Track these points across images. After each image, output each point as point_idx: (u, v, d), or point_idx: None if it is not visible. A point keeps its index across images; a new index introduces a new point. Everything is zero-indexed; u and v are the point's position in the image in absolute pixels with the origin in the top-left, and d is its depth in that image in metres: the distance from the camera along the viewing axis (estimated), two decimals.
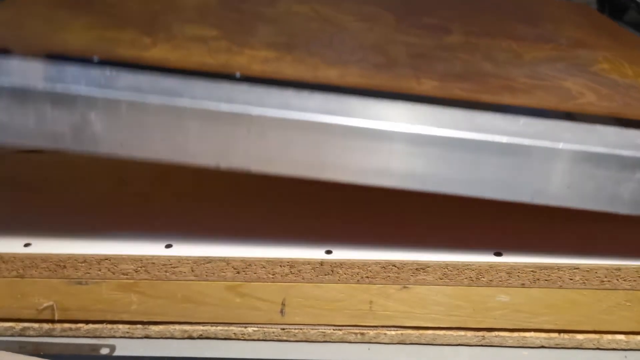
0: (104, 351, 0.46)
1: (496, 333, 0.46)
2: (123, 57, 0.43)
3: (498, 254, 0.44)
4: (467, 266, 0.44)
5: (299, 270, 0.45)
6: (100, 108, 0.37)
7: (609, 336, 0.46)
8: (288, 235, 0.47)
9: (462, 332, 0.46)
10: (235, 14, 0.57)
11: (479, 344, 0.47)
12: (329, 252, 0.45)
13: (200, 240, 0.46)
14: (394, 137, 0.38)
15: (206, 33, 0.51)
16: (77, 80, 0.38)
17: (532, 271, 0.44)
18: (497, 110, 0.42)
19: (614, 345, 0.46)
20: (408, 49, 0.53)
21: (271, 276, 0.45)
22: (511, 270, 0.44)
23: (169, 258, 0.45)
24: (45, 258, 0.45)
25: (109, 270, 0.45)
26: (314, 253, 0.45)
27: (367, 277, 0.45)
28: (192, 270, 0.45)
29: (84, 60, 0.41)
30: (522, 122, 0.39)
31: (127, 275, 0.45)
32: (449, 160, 0.39)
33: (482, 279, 0.44)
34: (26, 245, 0.45)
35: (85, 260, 0.45)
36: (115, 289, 0.46)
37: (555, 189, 0.39)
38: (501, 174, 0.39)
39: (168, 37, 0.49)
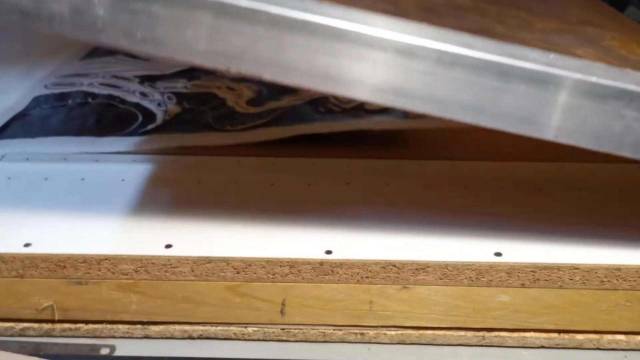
0: (104, 351, 0.46)
1: (496, 333, 0.46)
2: None
3: (498, 254, 0.44)
4: (467, 266, 0.44)
5: (299, 270, 0.45)
6: None
7: (609, 336, 0.46)
8: (288, 235, 0.47)
9: (462, 332, 0.46)
10: None
11: (479, 344, 0.47)
12: (329, 252, 0.45)
13: (200, 240, 0.46)
14: (419, 54, 0.35)
15: None
16: None
17: (532, 271, 0.44)
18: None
19: (614, 346, 0.46)
20: (417, 2, 0.52)
21: (271, 276, 0.45)
22: (511, 270, 0.44)
23: (169, 258, 0.45)
24: (45, 258, 0.45)
25: (109, 270, 0.45)
26: (314, 253, 0.45)
27: (367, 277, 0.45)
28: (192, 270, 0.45)
29: None
30: (552, 56, 0.37)
31: (127, 275, 0.45)
32: (475, 85, 0.36)
33: (482, 279, 0.44)
34: (26, 245, 0.45)
35: (85, 260, 0.45)
36: (115, 289, 0.46)
37: (581, 127, 0.37)
38: (524, 104, 0.36)
39: None
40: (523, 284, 0.44)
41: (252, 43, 0.34)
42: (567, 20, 0.61)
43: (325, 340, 0.47)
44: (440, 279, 0.45)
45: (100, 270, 0.45)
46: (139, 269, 0.45)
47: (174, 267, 0.45)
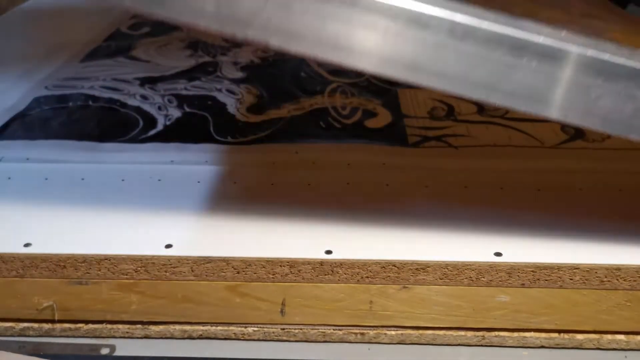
0: (104, 351, 0.46)
1: (496, 333, 0.46)
2: None
3: (498, 254, 0.45)
4: (467, 266, 0.44)
5: (299, 270, 0.45)
6: None
7: (609, 336, 0.46)
8: (288, 235, 0.47)
9: (462, 332, 0.46)
10: None
11: (479, 344, 0.47)
12: (329, 252, 0.45)
13: (200, 240, 0.46)
14: (430, 24, 0.34)
15: None
16: None
17: (532, 271, 0.44)
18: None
19: (614, 346, 0.46)
20: None
21: (271, 276, 0.45)
22: (511, 270, 0.44)
23: (169, 258, 0.45)
24: (45, 258, 0.45)
25: (109, 270, 0.45)
26: (314, 253, 0.45)
27: (367, 277, 0.45)
28: (192, 270, 0.45)
29: None
30: (564, 34, 0.36)
31: (127, 275, 0.45)
32: (487, 60, 0.35)
33: (482, 279, 0.44)
34: (26, 245, 0.45)
35: (85, 260, 0.45)
36: (115, 289, 0.46)
37: (591, 107, 0.36)
38: (535, 81, 0.35)
39: None
40: (523, 284, 0.44)
41: (261, 7, 0.34)
42: (571, 12, 0.61)
43: (326, 340, 0.47)
44: (440, 279, 0.45)
45: (100, 270, 0.45)
46: (139, 269, 0.45)
47: (174, 267, 0.45)
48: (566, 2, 0.68)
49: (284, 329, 0.47)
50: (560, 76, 0.36)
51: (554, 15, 0.57)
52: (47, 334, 0.47)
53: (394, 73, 0.36)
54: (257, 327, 0.47)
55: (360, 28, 0.34)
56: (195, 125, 0.65)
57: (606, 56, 0.36)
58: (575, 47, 0.36)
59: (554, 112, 0.37)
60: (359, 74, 0.77)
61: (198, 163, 0.57)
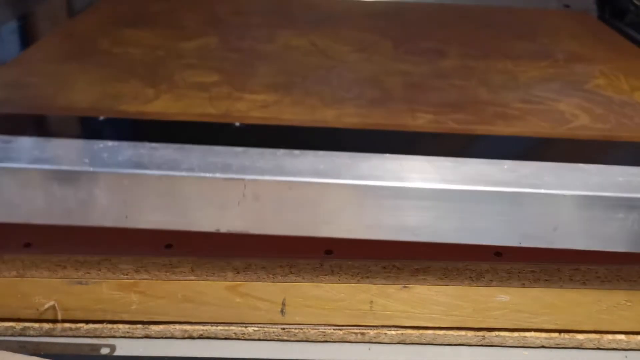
0: (104, 351, 0.46)
1: (496, 333, 0.46)
2: (127, 113, 0.47)
3: (498, 254, 0.44)
4: (467, 266, 0.44)
5: (299, 270, 0.45)
6: (102, 183, 0.38)
7: (610, 336, 0.46)
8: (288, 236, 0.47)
9: (462, 332, 0.46)
10: (234, 54, 0.58)
11: (479, 343, 0.47)
12: (329, 252, 0.45)
13: (200, 240, 0.46)
14: (384, 193, 0.38)
15: (207, 79, 0.54)
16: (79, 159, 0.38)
17: (532, 271, 0.44)
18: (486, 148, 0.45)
19: (615, 345, 0.46)
20: (404, 78, 0.54)
21: (271, 276, 0.45)
22: (511, 270, 0.44)
23: (169, 258, 0.45)
24: (45, 258, 0.45)
25: (109, 270, 0.45)
26: (314, 253, 0.45)
27: (367, 277, 0.45)
28: (192, 270, 0.45)
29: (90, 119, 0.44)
30: (506, 166, 0.39)
31: (127, 275, 0.45)
32: (438, 211, 0.38)
33: (482, 279, 0.44)
34: (26, 245, 0.45)
35: (86, 260, 0.45)
36: (115, 289, 0.46)
37: (541, 232, 0.38)
38: (486, 221, 0.38)
39: (170, 87, 0.52)
40: (523, 284, 0.44)
41: None
42: (555, 62, 0.63)
43: (326, 340, 0.47)
44: (440, 279, 0.45)
45: (100, 270, 0.45)
46: (139, 269, 0.45)
47: (174, 267, 0.45)
48: (552, 45, 0.70)
49: (284, 328, 0.47)
50: (507, 212, 0.39)
51: (536, 73, 0.59)
52: (48, 333, 0.47)
53: (359, 235, 0.40)
54: (258, 326, 0.47)
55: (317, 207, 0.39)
56: None
57: (542, 190, 0.38)
58: (511, 188, 0.38)
59: (513, 242, 0.40)
60: None
61: None
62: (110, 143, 0.39)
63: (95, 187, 0.37)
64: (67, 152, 0.39)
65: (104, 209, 0.38)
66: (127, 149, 0.39)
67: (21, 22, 0.68)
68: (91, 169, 0.37)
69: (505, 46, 0.68)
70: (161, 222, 0.38)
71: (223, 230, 0.38)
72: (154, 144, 0.39)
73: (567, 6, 0.88)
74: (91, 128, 0.45)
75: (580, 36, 0.73)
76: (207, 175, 0.37)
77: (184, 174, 0.37)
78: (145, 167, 0.37)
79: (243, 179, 0.37)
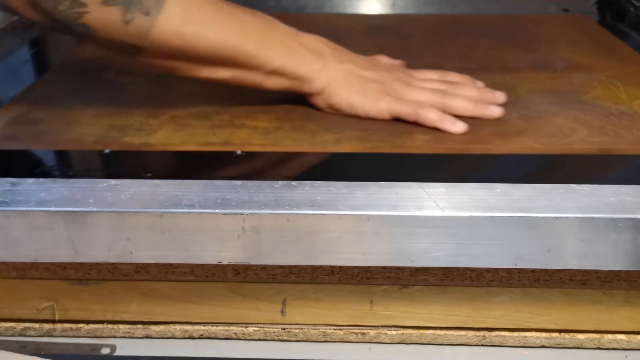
0: (105, 351, 0.46)
1: (497, 333, 0.46)
2: (131, 145, 0.49)
3: None
4: (467, 266, 0.44)
5: (299, 270, 0.45)
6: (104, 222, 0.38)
7: (610, 336, 0.46)
8: None
9: (462, 332, 0.46)
10: None
11: (479, 343, 0.47)
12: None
13: None
14: (379, 222, 0.38)
15: (208, 108, 0.55)
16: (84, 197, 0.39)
17: (532, 271, 0.44)
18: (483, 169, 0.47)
19: (615, 345, 0.46)
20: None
21: (271, 276, 0.45)
22: (511, 270, 0.44)
23: None
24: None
25: (109, 270, 0.45)
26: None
27: (367, 277, 0.45)
28: (192, 271, 0.45)
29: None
30: (500, 190, 0.40)
31: (127, 275, 0.45)
32: (433, 238, 0.39)
33: (482, 279, 0.44)
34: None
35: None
36: (116, 289, 0.46)
37: (535, 254, 0.39)
38: (480, 245, 0.39)
39: (172, 117, 0.53)
40: (523, 284, 0.44)
41: None
42: (553, 73, 0.64)
43: (326, 340, 0.47)
44: (441, 279, 0.45)
45: (100, 271, 0.45)
46: (139, 269, 0.45)
47: (174, 267, 0.45)
48: (551, 54, 0.70)
49: (284, 328, 0.47)
50: (500, 235, 0.39)
51: (535, 85, 0.60)
52: (48, 334, 0.47)
53: (355, 263, 0.40)
54: (258, 327, 0.47)
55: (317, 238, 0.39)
56: None
57: (533, 214, 0.38)
58: (503, 213, 0.38)
59: (507, 264, 0.40)
60: None
61: None
62: (113, 181, 0.41)
63: (100, 226, 0.38)
64: (71, 192, 0.40)
65: (109, 247, 0.39)
66: (129, 187, 0.40)
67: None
68: (95, 209, 0.38)
69: (503, 58, 0.68)
70: (163, 257, 0.39)
71: (224, 262, 0.39)
72: (155, 181, 0.41)
73: (565, 10, 0.88)
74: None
75: (578, 43, 0.73)
76: (207, 211, 0.38)
77: (184, 210, 0.38)
78: (147, 206, 0.38)
79: (242, 214, 0.38)
